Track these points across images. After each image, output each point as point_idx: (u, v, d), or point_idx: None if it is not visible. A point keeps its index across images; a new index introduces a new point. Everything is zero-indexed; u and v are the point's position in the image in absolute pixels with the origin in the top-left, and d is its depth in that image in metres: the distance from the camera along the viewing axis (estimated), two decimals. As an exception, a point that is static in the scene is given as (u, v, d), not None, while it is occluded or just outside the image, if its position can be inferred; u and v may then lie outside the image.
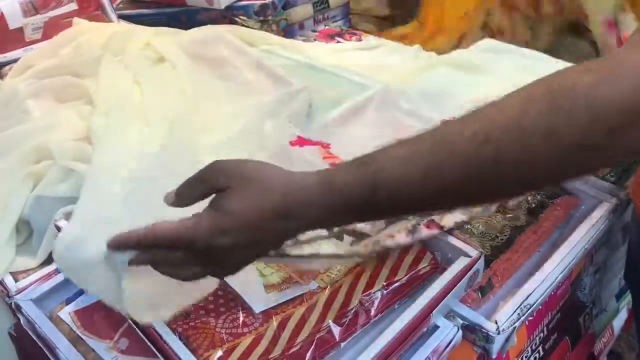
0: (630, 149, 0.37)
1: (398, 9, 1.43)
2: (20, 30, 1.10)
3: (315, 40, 1.23)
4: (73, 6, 1.16)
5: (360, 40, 1.23)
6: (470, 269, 0.62)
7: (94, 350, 0.61)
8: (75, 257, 0.58)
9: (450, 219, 0.68)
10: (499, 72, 1.00)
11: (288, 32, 1.23)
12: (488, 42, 1.11)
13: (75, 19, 1.14)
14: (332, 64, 1.07)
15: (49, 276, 0.69)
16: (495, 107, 0.39)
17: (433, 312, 0.60)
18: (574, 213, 0.80)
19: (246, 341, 0.57)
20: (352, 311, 0.59)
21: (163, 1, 1.26)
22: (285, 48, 1.12)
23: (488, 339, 0.63)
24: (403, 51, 1.16)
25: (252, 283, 0.64)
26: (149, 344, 0.58)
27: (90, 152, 0.77)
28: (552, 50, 1.15)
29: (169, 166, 0.72)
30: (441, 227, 0.66)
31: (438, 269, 0.64)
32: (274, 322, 0.59)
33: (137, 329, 0.59)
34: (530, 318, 0.71)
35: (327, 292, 0.62)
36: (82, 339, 0.63)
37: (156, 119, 0.82)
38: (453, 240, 0.65)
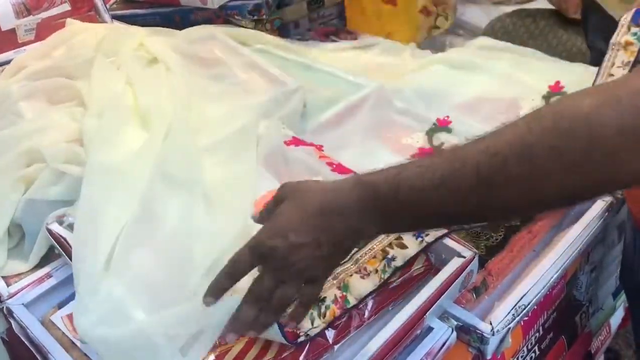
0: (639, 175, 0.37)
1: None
2: (12, 31, 1.09)
3: (310, 39, 1.23)
4: (66, 7, 1.15)
5: (355, 39, 1.22)
6: (464, 270, 0.62)
7: (86, 355, 0.61)
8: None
9: None
10: (494, 70, 1.00)
11: (283, 31, 1.22)
12: (483, 40, 1.11)
13: (69, 20, 1.13)
14: (327, 63, 1.07)
15: (41, 280, 0.69)
16: (508, 125, 0.41)
17: (427, 314, 0.60)
18: (569, 212, 0.79)
19: (238, 346, 0.57)
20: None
21: (157, 1, 1.25)
22: (279, 47, 1.11)
23: (482, 340, 0.63)
24: (398, 50, 1.16)
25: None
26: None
27: (83, 155, 0.76)
28: (549, 48, 1.15)
29: (165, 170, 0.72)
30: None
31: (432, 270, 0.64)
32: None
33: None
34: (526, 318, 0.71)
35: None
36: (75, 344, 0.62)
37: (150, 120, 0.82)
38: (447, 240, 0.65)
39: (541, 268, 0.69)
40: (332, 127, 0.92)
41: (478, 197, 0.41)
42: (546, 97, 0.92)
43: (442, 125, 0.91)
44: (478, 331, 0.62)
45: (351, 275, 0.62)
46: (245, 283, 0.51)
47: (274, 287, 0.49)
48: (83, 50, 1.00)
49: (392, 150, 0.88)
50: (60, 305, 0.67)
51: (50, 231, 0.69)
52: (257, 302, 0.49)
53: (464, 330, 0.63)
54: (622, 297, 1.01)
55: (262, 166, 0.78)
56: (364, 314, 0.59)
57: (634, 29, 0.82)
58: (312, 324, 0.58)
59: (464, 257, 0.63)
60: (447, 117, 0.92)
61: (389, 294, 0.61)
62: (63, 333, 0.63)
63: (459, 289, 0.63)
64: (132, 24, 1.20)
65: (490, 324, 0.63)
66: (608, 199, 0.79)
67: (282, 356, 0.56)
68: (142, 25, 1.15)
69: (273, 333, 0.54)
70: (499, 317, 0.64)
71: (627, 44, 0.82)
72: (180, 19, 1.22)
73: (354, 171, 0.75)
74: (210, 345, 0.57)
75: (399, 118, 0.94)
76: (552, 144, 0.37)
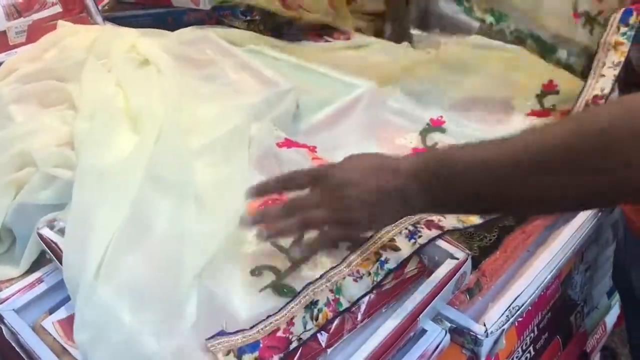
0: None
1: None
2: (3, 33, 1.09)
3: (303, 39, 1.22)
4: (57, 9, 1.15)
5: (349, 39, 1.22)
6: (457, 272, 0.62)
7: (77, 361, 0.61)
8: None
9: (449, 221, 0.68)
10: (488, 70, 1.00)
11: (275, 31, 1.22)
12: (477, 39, 1.10)
13: (60, 22, 1.13)
14: (320, 63, 1.07)
15: (32, 285, 0.68)
16: (545, 125, 0.46)
17: (420, 316, 0.59)
18: (563, 212, 0.79)
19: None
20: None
21: (149, 2, 1.25)
22: (272, 48, 1.11)
23: (476, 341, 0.62)
24: (392, 50, 1.16)
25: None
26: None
27: (74, 158, 0.76)
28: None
29: (157, 173, 0.72)
30: (441, 228, 0.66)
31: (425, 272, 0.64)
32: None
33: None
34: (520, 319, 0.70)
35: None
36: (66, 349, 0.62)
37: (141, 123, 0.81)
38: (440, 242, 0.64)
39: (535, 268, 0.69)
40: (325, 127, 0.92)
41: (514, 179, 0.45)
42: (539, 97, 0.92)
43: (436, 126, 0.91)
44: (472, 333, 0.62)
45: (344, 278, 0.61)
46: None
47: (314, 206, 0.54)
48: (74, 52, 1.00)
49: (386, 151, 0.87)
50: (51, 311, 0.66)
51: (41, 236, 0.69)
52: (291, 209, 0.56)
53: (458, 332, 0.63)
54: (617, 295, 1.01)
55: (254, 168, 0.78)
56: (357, 317, 0.59)
57: (623, 29, 0.82)
58: (305, 327, 0.58)
59: (457, 258, 0.63)
60: (441, 117, 0.92)
61: (382, 297, 0.61)
62: (54, 339, 0.63)
63: (452, 291, 0.63)
64: (124, 26, 1.19)
65: (484, 325, 0.62)
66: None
67: (275, 361, 0.56)
68: (135, 27, 1.14)
69: None
70: (492, 319, 0.63)
71: (617, 44, 0.82)
72: (173, 20, 1.21)
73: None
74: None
75: (393, 118, 0.94)
76: (572, 144, 0.42)
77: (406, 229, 0.65)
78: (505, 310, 0.64)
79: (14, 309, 0.65)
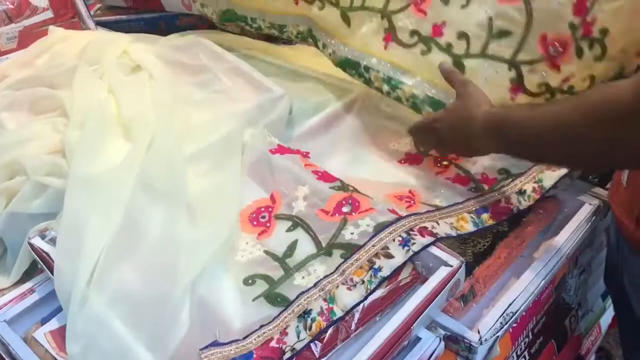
0: None
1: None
2: (-6, 40, 1.08)
3: (296, 43, 1.22)
4: (49, 14, 1.14)
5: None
6: (451, 279, 0.62)
7: (69, 372, 0.60)
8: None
9: (442, 228, 0.68)
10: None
11: (268, 36, 1.21)
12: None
13: (51, 28, 1.12)
14: (314, 68, 1.06)
15: (23, 296, 0.68)
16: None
17: (414, 324, 0.59)
18: (557, 216, 0.79)
19: None
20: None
21: (141, 7, 1.24)
22: (265, 52, 1.11)
23: (471, 349, 0.62)
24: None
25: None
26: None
27: (65, 167, 0.75)
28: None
29: (149, 181, 0.71)
30: (434, 235, 0.66)
31: (419, 279, 0.63)
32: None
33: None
34: (515, 325, 0.70)
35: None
36: (57, 360, 0.61)
37: (133, 130, 0.81)
38: (433, 249, 0.64)
39: (529, 274, 0.69)
40: (318, 133, 0.91)
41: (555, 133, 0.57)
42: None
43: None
44: (466, 340, 0.62)
45: (337, 287, 0.61)
46: None
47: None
48: (65, 58, 0.99)
49: (379, 156, 0.87)
50: (43, 322, 0.66)
51: (32, 246, 0.68)
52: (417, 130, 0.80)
53: (452, 340, 0.63)
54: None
55: (247, 175, 0.77)
56: (351, 326, 0.59)
57: None
58: (298, 337, 0.58)
59: (451, 265, 0.62)
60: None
61: (375, 305, 0.60)
62: (46, 350, 0.62)
63: (446, 298, 0.63)
64: (116, 31, 1.19)
65: (479, 332, 0.62)
66: (595, 202, 0.79)
67: (268, 371, 0.55)
68: (127, 32, 1.14)
69: None
70: (487, 326, 0.63)
71: None
72: (165, 25, 1.21)
73: (339, 179, 0.75)
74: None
75: (386, 123, 0.94)
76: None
77: (400, 236, 0.64)
78: (500, 317, 0.64)
79: (5, 320, 0.65)
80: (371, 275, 0.62)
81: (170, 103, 0.86)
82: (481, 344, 0.62)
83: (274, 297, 0.62)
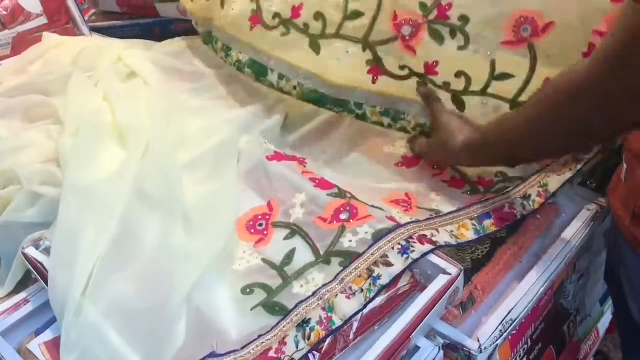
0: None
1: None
2: (-13, 46, 1.07)
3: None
4: (43, 20, 1.14)
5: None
6: (450, 287, 0.61)
7: (64, 384, 0.59)
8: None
9: (442, 236, 0.68)
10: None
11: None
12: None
13: (45, 34, 1.11)
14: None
15: (17, 307, 0.67)
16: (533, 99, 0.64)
17: (414, 333, 0.59)
18: (555, 222, 0.79)
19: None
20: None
21: (136, 13, 1.24)
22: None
23: (470, 357, 0.62)
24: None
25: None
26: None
27: (60, 176, 0.74)
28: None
29: (144, 190, 0.71)
30: (434, 243, 0.65)
31: (418, 287, 0.63)
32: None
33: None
34: (514, 332, 0.70)
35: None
36: (52, 372, 0.61)
37: (128, 138, 0.80)
38: (432, 257, 0.64)
39: (528, 281, 0.69)
40: (314, 139, 0.91)
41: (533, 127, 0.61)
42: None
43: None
44: (465, 349, 0.61)
45: (336, 296, 0.61)
46: None
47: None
48: (60, 65, 0.98)
49: (376, 161, 0.87)
50: (37, 332, 0.65)
51: (26, 256, 0.67)
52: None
53: (452, 348, 0.62)
54: (609, 302, 1.01)
55: (244, 182, 0.77)
56: (349, 336, 0.58)
57: None
58: (297, 346, 0.57)
59: (450, 274, 0.62)
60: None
61: (374, 314, 0.60)
62: (41, 362, 0.62)
63: (445, 306, 0.62)
64: (111, 36, 1.18)
65: (478, 341, 0.62)
66: (593, 207, 0.79)
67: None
68: (122, 37, 1.14)
69: None
70: (486, 334, 0.63)
71: None
72: (160, 30, 1.20)
73: (337, 186, 0.74)
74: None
75: (381, 127, 0.93)
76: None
77: (399, 244, 0.64)
78: (499, 324, 0.64)
79: (-1, 332, 0.64)
80: (370, 284, 0.61)
81: (165, 110, 0.85)
82: (481, 352, 0.61)
83: (272, 307, 0.61)
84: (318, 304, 0.60)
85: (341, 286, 0.61)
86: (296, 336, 0.58)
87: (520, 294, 0.67)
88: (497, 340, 0.63)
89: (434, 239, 0.66)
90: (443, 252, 0.66)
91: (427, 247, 0.64)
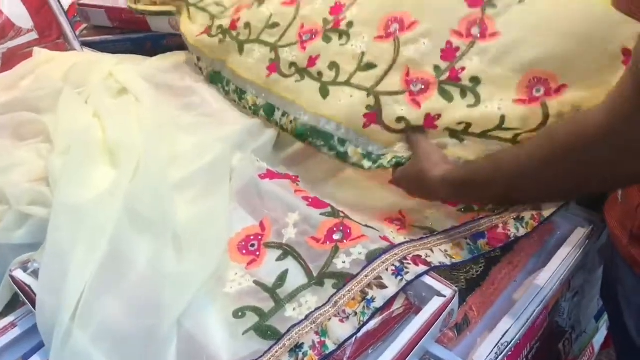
0: None
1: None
2: (-23, 62, 1.06)
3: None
4: (33, 35, 1.12)
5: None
6: (444, 310, 0.60)
7: (52, 411, 0.58)
8: None
9: (437, 257, 0.67)
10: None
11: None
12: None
13: (36, 49, 1.10)
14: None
15: (4, 330, 0.65)
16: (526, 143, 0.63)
17: (408, 357, 0.58)
18: (550, 240, 0.78)
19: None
20: None
21: (127, 27, 1.23)
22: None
23: (466, 381, 0.61)
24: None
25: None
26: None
27: (49, 195, 0.73)
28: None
29: (134, 210, 0.70)
30: (428, 264, 0.65)
31: (412, 309, 0.62)
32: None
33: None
34: (509, 353, 0.69)
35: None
36: (40, 398, 0.59)
37: (119, 156, 0.79)
38: (426, 278, 0.63)
39: (523, 301, 0.68)
40: (306, 156, 0.90)
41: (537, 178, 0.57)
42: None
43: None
44: (461, 372, 0.61)
45: (330, 319, 0.60)
46: None
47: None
48: (50, 81, 0.97)
49: (368, 177, 0.86)
50: (25, 357, 0.63)
51: (13, 278, 0.66)
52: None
53: (447, 371, 0.62)
54: (605, 318, 1.00)
55: (236, 201, 0.76)
56: (343, 360, 0.57)
57: None
58: (290, 372, 0.56)
59: (445, 296, 0.61)
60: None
61: (368, 337, 0.59)
62: (28, 388, 0.60)
63: (440, 329, 0.62)
64: (102, 51, 1.17)
65: (473, 364, 0.61)
66: (588, 226, 0.79)
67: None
68: (113, 52, 1.13)
69: None
70: (482, 356, 0.62)
71: None
72: (152, 45, 1.20)
73: (330, 204, 0.74)
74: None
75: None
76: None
77: (393, 265, 0.63)
78: (494, 347, 0.63)
79: (-15, 357, 0.63)
80: (364, 307, 0.60)
81: (156, 127, 0.84)
82: (476, 375, 0.61)
83: (264, 331, 0.60)
84: (311, 328, 0.59)
85: (335, 309, 0.60)
86: (291, 360, 0.57)
87: (516, 315, 0.67)
88: (492, 363, 0.62)
89: (428, 259, 0.65)
90: (437, 272, 0.65)
91: (422, 268, 0.63)
